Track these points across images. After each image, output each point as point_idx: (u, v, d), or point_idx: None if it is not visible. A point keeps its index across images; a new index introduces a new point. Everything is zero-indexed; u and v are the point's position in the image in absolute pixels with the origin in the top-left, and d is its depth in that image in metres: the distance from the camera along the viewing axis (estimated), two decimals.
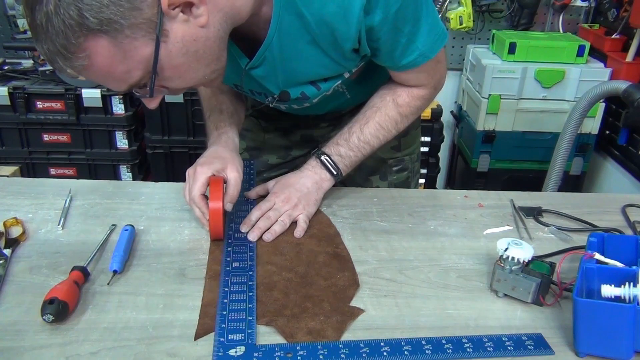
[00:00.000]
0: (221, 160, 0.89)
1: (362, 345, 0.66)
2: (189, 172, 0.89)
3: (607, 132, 2.35)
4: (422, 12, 0.83)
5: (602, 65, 2.25)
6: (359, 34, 0.80)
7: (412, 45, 0.86)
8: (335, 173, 0.96)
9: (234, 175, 0.88)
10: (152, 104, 0.78)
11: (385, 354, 0.65)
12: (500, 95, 2.23)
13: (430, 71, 0.95)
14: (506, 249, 0.74)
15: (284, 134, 1.21)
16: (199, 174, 0.87)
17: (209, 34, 0.72)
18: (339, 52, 0.84)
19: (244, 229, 0.89)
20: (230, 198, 0.87)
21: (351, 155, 0.97)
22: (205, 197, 0.87)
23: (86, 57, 0.65)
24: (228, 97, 1.05)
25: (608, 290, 0.65)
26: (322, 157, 0.96)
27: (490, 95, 2.23)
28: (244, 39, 0.84)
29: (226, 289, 0.74)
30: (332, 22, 0.78)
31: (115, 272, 0.77)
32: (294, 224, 0.91)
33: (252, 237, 0.87)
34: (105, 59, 0.67)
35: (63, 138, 2.21)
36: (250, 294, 0.74)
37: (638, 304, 0.63)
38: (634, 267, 0.67)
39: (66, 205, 0.94)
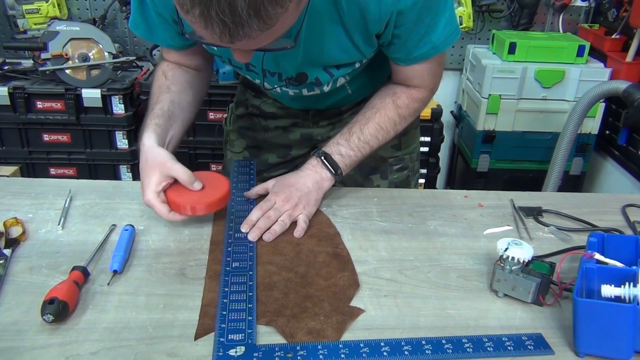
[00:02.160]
0: (158, 166, 0.86)
1: (362, 345, 0.66)
2: (144, 200, 0.86)
3: (607, 132, 2.35)
4: (443, 5, 0.86)
5: (602, 65, 2.25)
6: (389, 17, 0.82)
7: (427, 37, 0.88)
8: (335, 172, 0.96)
9: (176, 167, 0.86)
10: (248, 57, 0.74)
11: (385, 354, 0.65)
12: (500, 95, 2.23)
13: (433, 71, 0.97)
14: (506, 249, 0.74)
15: (284, 133, 1.21)
16: (151, 201, 0.85)
17: None
18: (363, 35, 0.86)
19: (244, 229, 0.89)
20: (189, 181, 0.85)
21: (351, 155, 0.97)
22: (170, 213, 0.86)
23: (279, 16, 0.62)
24: (169, 98, 0.98)
25: (608, 290, 0.65)
26: (323, 157, 0.97)
27: (490, 95, 2.23)
28: None
29: (226, 289, 0.74)
30: (365, 3, 0.80)
31: (115, 272, 0.77)
32: (294, 223, 0.91)
33: (252, 237, 0.87)
34: (290, 15, 0.64)
35: (63, 138, 2.21)
36: (250, 294, 0.74)
37: (638, 304, 0.63)
38: (634, 267, 0.67)
39: (66, 205, 0.94)
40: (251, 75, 1.02)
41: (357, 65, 0.94)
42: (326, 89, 0.99)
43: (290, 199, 0.92)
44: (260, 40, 0.65)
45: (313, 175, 0.96)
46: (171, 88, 1.00)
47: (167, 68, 1.02)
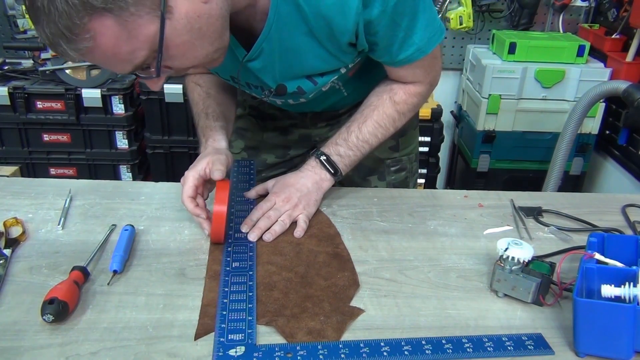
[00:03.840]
0: (205, 158, 0.89)
1: (362, 345, 0.66)
2: (182, 180, 0.90)
3: (607, 132, 2.35)
4: (419, 7, 0.83)
5: (602, 65, 2.25)
6: (356, 27, 0.80)
7: (409, 40, 0.86)
8: (335, 173, 0.96)
9: (216, 157, 0.89)
10: (157, 85, 0.77)
11: (385, 354, 0.65)
12: (500, 95, 2.23)
13: (427, 67, 0.95)
14: (506, 249, 0.74)
15: (282, 134, 1.21)
16: (186, 177, 0.88)
17: (212, 11, 0.71)
18: (335, 45, 0.84)
19: (244, 229, 0.89)
20: (214, 172, 0.87)
21: (350, 154, 0.97)
22: (193, 200, 0.87)
23: (90, 39, 0.63)
24: (215, 101, 1.04)
25: (608, 290, 0.65)
26: (322, 157, 0.96)
27: (490, 95, 2.23)
28: (241, 32, 0.84)
29: (226, 289, 0.74)
30: (330, 15, 0.79)
31: (115, 272, 0.77)
32: (294, 224, 0.91)
33: (253, 237, 0.87)
34: (110, 40, 0.65)
35: (63, 138, 2.21)
36: (250, 294, 0.74)
37: (638, 304, 0.63)
38: (634, 267, 0.67)
39: (66, 205, 0.94)
40: (239, 86, 1.02)
41: (343, 70, 0.93)
42: (311, 96, 0.98)
43: (290, 199, 0.92)
44: (100, 56, 0.68)
45: (312, 176, 0.96)
46: (210, 92, 1.05)
47: (196, 78, 1.07)
